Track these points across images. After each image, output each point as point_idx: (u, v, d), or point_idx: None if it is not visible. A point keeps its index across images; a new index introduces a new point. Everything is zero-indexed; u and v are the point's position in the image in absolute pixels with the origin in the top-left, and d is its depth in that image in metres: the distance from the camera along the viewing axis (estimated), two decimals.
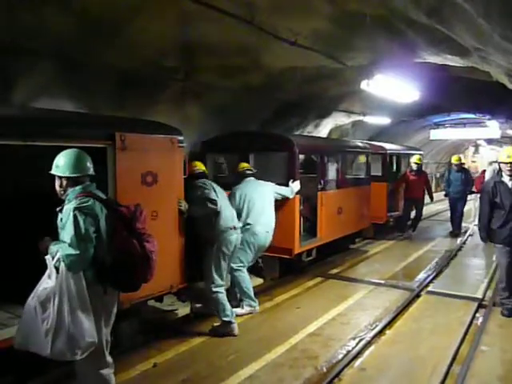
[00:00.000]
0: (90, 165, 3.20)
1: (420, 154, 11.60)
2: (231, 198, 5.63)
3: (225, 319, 5.04)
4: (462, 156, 13.41)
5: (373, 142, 11.16)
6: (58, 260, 2.90)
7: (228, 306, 5.09)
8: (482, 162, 28.24)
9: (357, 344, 4.83)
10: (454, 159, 11.38)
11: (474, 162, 30.84)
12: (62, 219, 3.02)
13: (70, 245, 2.88)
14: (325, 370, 4.29)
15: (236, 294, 5.77)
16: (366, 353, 4.68)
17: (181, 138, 4.80)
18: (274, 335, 5.07)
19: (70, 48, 4.68)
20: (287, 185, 6.46)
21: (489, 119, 15.20)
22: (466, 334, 5.09)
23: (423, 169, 11.46)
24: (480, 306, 5.98)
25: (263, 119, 8.90)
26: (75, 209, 2.94)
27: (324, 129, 11.62)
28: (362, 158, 9.48)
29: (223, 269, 5.15)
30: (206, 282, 5.15)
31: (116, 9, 4.51)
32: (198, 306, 5.70)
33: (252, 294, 5.73)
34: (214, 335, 5.04)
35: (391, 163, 11.21)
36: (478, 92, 10.99)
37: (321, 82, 8.44)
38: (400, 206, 11.01)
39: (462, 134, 17.08)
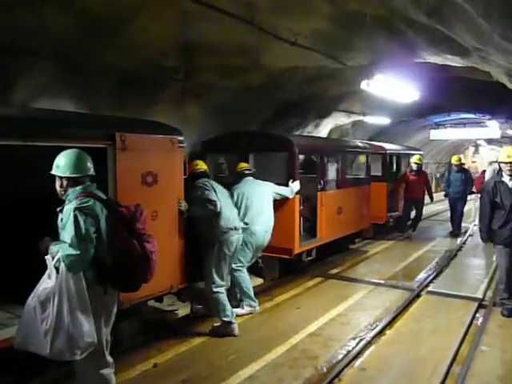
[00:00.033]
0: (90, 165, 3.20)
1: (420, 154, 11.59)
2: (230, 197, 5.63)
3: (225, 319, 5.04)
4: (461, 156, 13.41)
5: (373, 142, 11.16)
6: (58, 260, 2.90)
7: (228, 306, 5.09)
8: (482, 162, 28.24)
9: (357, 344, 4.83)
10: (454, 159, 11.37)
11: (474, 162, 30.83)
12: (62, 219, 3.02)
13: (70, 245, 2.88)
14: (325, 370, 4.29)
15: (236, 294, 5.77)
16: (366, 353, 4.68)
17: (181, 138, 4.80)
18: (274, 335, 5.06)
19: (69, 48, 4.68)
20: (287, 185, 6.46)
21: (489, 119, 15.21)
22: (466, 334, 5.09)
23: (423, 169, 11.46)
24: (480, 306, 5.98)
25: (263, 119, 8.90)
26: (76, 209, 2.94)
27: (324, 129, 11.62)
28: (362, 158, 9.48)
29: (224, 269, 5.15)
30: (207, 282, 5.14)
31: (116, 9, 4.51)
32: (198, 306, 5.70)
33: (252, 294, 5.73)
34: (214, 335, 5.04)
35: (391, 163, 11.21)
36: (478, 92, 10.99)
37: (321, 82, 8.44)
38: (400, 206, 11.00)
39: (462, 134, 17.08)
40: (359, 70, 7.65)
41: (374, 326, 5.33)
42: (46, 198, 3.50)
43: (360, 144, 9.67)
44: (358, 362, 4.46)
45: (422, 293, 6.61)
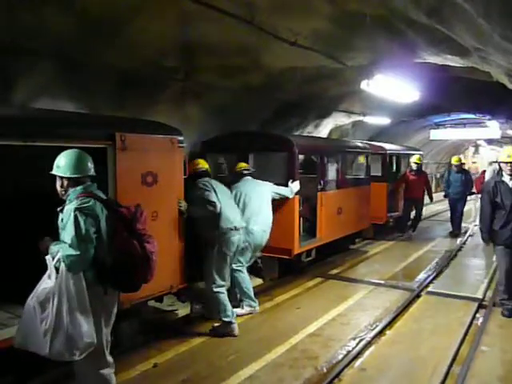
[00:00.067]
0: (90, 165, 3.20)
1: (420, 154, 11.59)
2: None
3: (225, 319, 5.04)
4: (462, 156, 13.39)
5: (373, 143, 11.16)
6: (59, 260, 2.90)
7: (229, 306, 5.09)
8: (482, 162, 28.24)
9: (357, 344, 4.83)
10: (454, 160, 11.32)
11: (474, 162, 30.82)
12: (62, 219, 3.02)
13: (70, 245, 2.88)
14: (325, 370, 4.29)
15: (236, 295, 5.77)
16: (366, 353, 4.68)
17: (181, 138, 4.80)
18: (274, 335, 5.06)
19: (70, 48, 4.68)
20: (287, 185, 6.45)
21: (489, 119, 15.21)
22: (466, 334, 5.09)
23: (423, 169, 11.45)
24: (480, 307, 5.98)
25: (263, 119, 8.90)
26: (76, 209, 2.94)
27: (324, 129, 11.62)
28: (362, 159, 9.47)
29: (224, 269, 5.15)
30: (207, 281, 5.14)
31: (116, 9, 4.51)
32: (198, 307, 5.70)
33: (252, 294, 5.73)
34: (214, 335, 5.04)
35: (391, 163, 11.20)
36: (478, 92, 10.99)
37: (321, 82, 8.44)
38: (400, 207, 11.00)
39: (462, 134, 17.08)
40: (359, 70, 7.65)
41: (374, 326, 5.32)
42: (46, 198, 3.50)
43: (360, 144, 9.67)
44: (358, 363, 4.46)
45: (422, 293, 6.61)
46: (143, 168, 4.33)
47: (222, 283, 5.13)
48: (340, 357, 4.56)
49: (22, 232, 4.18)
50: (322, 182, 7.42)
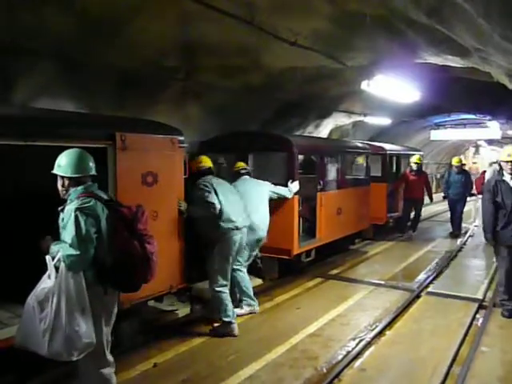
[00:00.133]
0: (92, 165, 3.20)
1: (420, 155, 11.58)
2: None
3: (225, 319, 5.04)
4: (462, 157, 13.37)
5: (373, 143, 11.15)
6: (59, 260, 2.90)
7: (230, 306, 5.08)
8: (482, 162, 28.25)
9: (357, 345, 4.82)
10: (454, 161, 11.27)
11: (474, 163, 30.81)
12: (63, 219, 3.02)
13: (70, 245, 2.88)
14: (325, 370, 4.29)
15: (236, 294, 5.76)
16: (366, 353, 4.67)
17: (181, 138, 4.80)
18: (274, 335, 5.06)
19: (70, 48, 4.68)
20: (286, 185, 6.45)
21: (489, 120, 15.20)
22: (466, 334, 5.08)
23: (423, 169, 11.43)
24: (480, 307, 5.97)
25: (264, 119, 8.90)
26: (77, 209, 2.93)
27: (324, 129, 11.62)
28: (362, 159, 9.48)
29: (227, 269, 5.15)
30: (210, 281, 5.15)
31: (116, 9, 4.51)
32: (198, 307, 5.70)
33: (251, 293, 5.73)
34: (214, 335, 5.03)
35: (391, 164, 11.20)
36: (478, 92, 10.99)
37: (321, 82, 8.44)
38: (400, 207, 11.00)
39: (462, 134, 17.08)
40: (359, 71, 7.65)
41: (374, 326, 5.32)
42: (46, 198, 3.50)
43: (360, 144, 9.67)
44: (357, 363, 4.46)
45: (422, 293, 6.60)
46: (143, 168, 4.33)
47: (224, 283, 5.13)
48: (340, 357, 4.56)
49: (23, 232, 4.19)
50: (321, 183, 7.42)
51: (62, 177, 3.13)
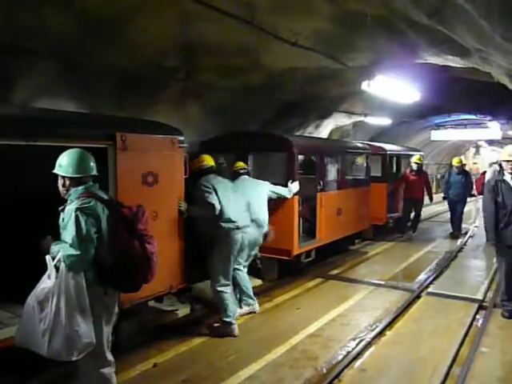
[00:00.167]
0: (93, 165, 3.19)
1: (420, 155, 11.57)
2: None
3: (225, 319, 5.04)
4: (463, 157, 13.35)
5: (373, 143, 11.16)
6: (59, 260, 2.90)
7: (231, 306, 5.08)
8: (482, 163, 28.25)
9: (357, 345, 4.82)
10: (455, 161, 11.21)
11: (475, 163, 30.79)
12: (63, 219, 3.02)
13: (71, 245, 2.88)
14: (325, 370, 4.29)
15: (236, 294, 5.76)
16: (366, 354, 4.67)
17: (181, 138, 4.80)
18: (274, 336, 5.06)
19: (70, 48, 4.68)
20: (286, 185, 6.44)
21: (490, 120, 15.20)
22: (466, 335, 5.08)
23: (424, 169, 11.43)
24: (480, 308, 5.97)
25: (264, 119, 8.90)
26: (77, 209, 2.93)
27: (325, 129, 11.62)
28: (362, 159, 9.48)
29: (228, 268, 5.14)
30: (211, 281, 5.16)
31: (116, 9, 4.51)
32: (198, 307, 5.70)
33: (251, 292, 5.72)
34: (214, 335, 5.03)
35: (391, 164, 11.20)
36: (478, 93, 10.98)
37: (322, 83, 8.43)
38: (400, 207, 10.99)
39: (462, 135, 17.08)
40: (360, 71, 7.65)
41: (374, 326, 5.32)
42: (46, 198, 3.50)
43: (360, 145, 9.67)
44: (357, 363, 4.45)
45: (422, 294, 6.60)
46: (144, 168, 4.33)
47: (227, 282, 5.13)
48: (340, 357, 4.56)
49: (23, 232, 4.19)
50: (321, 183, 7.42)
51: (63, 177, 3.13)
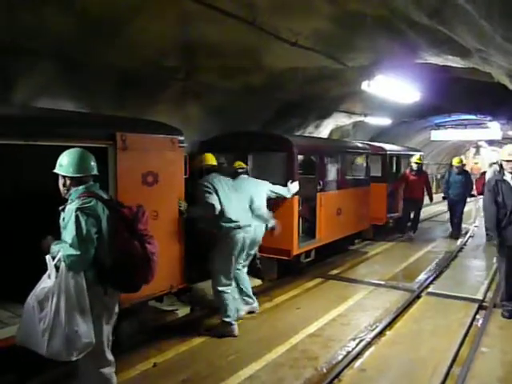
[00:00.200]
0: (93, 165, 3.19)
1: (420, 155, 11.57)
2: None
3: (225, 319, 5.04)
4: (463, 157, 13.34)
5: (373, 143, 11.16)
6: (59, 260, 2.90)
7: (231, 306, 5.08)
8: (483, 163, 28.23)
9: (357, 345, 4.83)
10: (455, 161, 11.18)
11: (476, 163, 30.73)
12: (64, 219, 3.01)
13: (71, 245, 2.88)
14: (325, 370, 4.29)
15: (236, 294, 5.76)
16: (366, 354, 4.68)
17: (181, 137, 4.80)
18: (274, 335, 5.06)
19: (70, 48, 4.68)
20: (286, 185, 6.44)
21: (490, 120, 15.19)
22: (466, 335, 5.08)
23: (424, 169, 11.42)
24: (480, 308, 5.97)
25: (264, 119, 8.90)
26: (77, 209, 2.93)
27: (325, 129, 11.62)
28: (362, 159, 9.48)
29: (229, 268, 5.14)
30: (212, 281, 5.16)
31: (116, 9, 4.51)
32: (198, 307, 5.70)
33: (250, 292, 5.72)
34: (213, 335, 5.03)
35: (391, 164, 11.20)
36: (479, 93, 10.97)
37: (322, 83, 8.43)
38: (400, 207, 10.99)
39: (462, 135, 17.07)
40: (360, 71, 7.65)
41: (374, 326, 5.32)
42: (46, 198, 3.50)
43: (359, 145, 9.67)
44: (357, 363, 4.46)
45: (422, 294, 6.60)
46: (144, 168, 4.33)
47: (228, 282, 5.13)
48: (340, 357, 4.56)
49: (23, 232, 4.19)
50: (321, 183, 7.42)
51: (64, 176, 3.13)
